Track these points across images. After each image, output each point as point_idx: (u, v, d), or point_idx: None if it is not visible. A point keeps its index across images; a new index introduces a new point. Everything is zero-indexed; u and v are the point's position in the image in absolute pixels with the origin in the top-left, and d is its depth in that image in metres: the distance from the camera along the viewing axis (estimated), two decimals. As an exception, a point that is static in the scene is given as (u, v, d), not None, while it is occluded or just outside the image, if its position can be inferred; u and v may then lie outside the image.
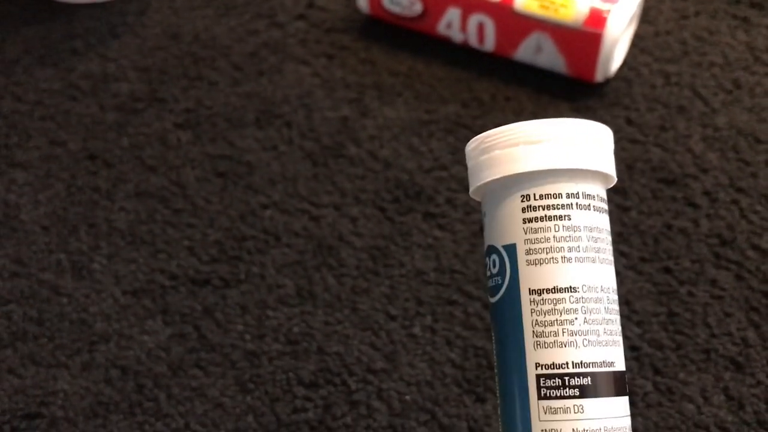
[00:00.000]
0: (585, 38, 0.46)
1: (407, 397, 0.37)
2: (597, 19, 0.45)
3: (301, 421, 0.36)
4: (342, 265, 0.42)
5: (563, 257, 0.24)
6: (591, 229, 0.24)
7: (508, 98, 0.49)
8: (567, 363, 0.24)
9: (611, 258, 0.25)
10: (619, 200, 0.43)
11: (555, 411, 0.24)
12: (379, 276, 0.41)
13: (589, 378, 0.24)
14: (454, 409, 0.36)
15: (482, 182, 0.25)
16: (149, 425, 0.36)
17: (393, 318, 0.39)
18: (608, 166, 0.25)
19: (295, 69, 0.51)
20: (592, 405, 0.24)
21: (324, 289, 0.41)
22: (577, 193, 0.25)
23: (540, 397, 0.24)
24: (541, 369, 0.24)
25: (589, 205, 0.25)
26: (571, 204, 0.24)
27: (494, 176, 0.25)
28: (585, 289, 0.24)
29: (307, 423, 0.36)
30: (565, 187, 0.25)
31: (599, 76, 0.48)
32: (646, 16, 0.53)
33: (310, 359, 0.38)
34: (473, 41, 0.50)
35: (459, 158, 0.46)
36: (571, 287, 0.24)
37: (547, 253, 0.24)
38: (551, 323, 0.24)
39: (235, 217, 0.44)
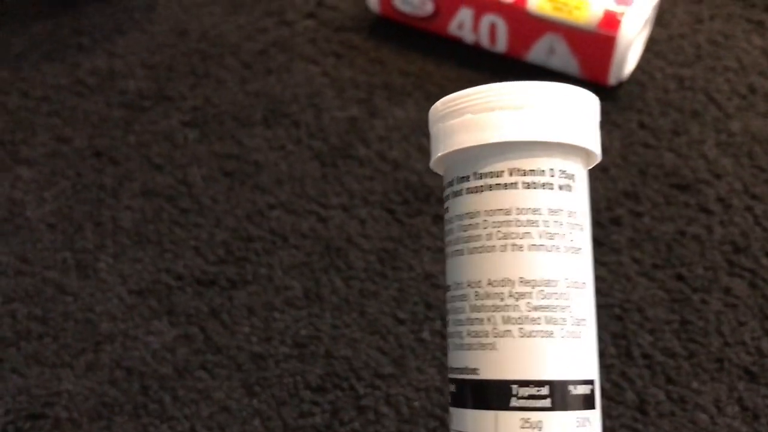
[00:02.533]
0: (599, 41, 0.45)
1: (416, 403, 0.36)
2: (611, 21, 0.45)
3: (308, 426, 0.36)
4: (350, 267, 0.41)
5: (444, 252, 0.23)
6: (462, 216, 0.21)
7: (520, 100, 0.48)
8: (450, 367, 0.22)
9: (496, 243, 0.21)
10: (631, 205, 0.43)
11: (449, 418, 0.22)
12: (388, 279, 0.41)
13: (454, 385, 0.21)
14: (463, 416, 0.36)
15: (431, 161, 0.24)
16: (154, 427, 0.36)
17: (401, 322, 0.39)
18: (495, 131, 0.20)
19: (303, 68, 0.51)
20: (456, 415, 0.21)
21: (332, 291, 0.40)
22: (457, 177, 0.22)
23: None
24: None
25: (462, 189, 0.21)
26: (449, 194, 0.22)
27: (432, 157, 0.23)
28: (453, 287, 0.22)
29: (314, 428, 0.36)
30: (450, 172, 0.22)
31: (612, 80, 0.47)
32: (660, 20, 0.52)
33: (317, 363, 0.38)
34: (485, 42, 0.50)
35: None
36: (447, 285, 0.22)
37: (446, 246, 0.23)
38: (448, 323, 0.23)
39: (242, 217, 0.43)
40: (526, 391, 0.20)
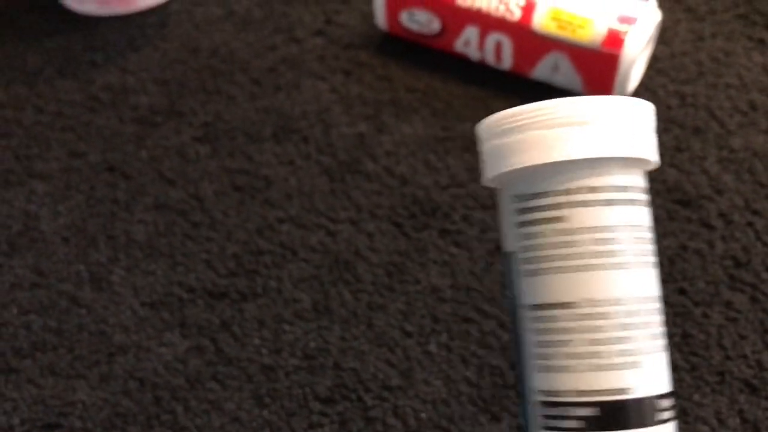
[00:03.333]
0: (602, 59, 0.46)
1: (423, 415, 0.37)
2: (615, 40, 0.46)
3: (317, 437, 0.37)
4: (358, 280, 0.42)
5: (558, 267, 0.20)
6: (595, 230, 0.20)
7: (525, 117, 0.49)
8: (569, 391, 0.20)
9: (636, 260, 0.20)
10: (634, 220, 0.44)
11: None
12: (395, 292, 0.41)
13: (598, 408, 0.20)
14: (470, 428, 0.37)
15: (484, 183, 0.22)
16: (166, 438, 0.37)
17: (409, 335, 0.40)
18: (617, 146, 0.20)
19: (312, 84, 0.52)
20: None
21: (340, 304, 0.41)
22: (574, 188, 0.20)
23: (543, 426, 0.21)
24: (543, 395, 0.21)
25: (591, 200, 0.20)
26: (562, 203, 0.20)
27: (491, 174, 0.21)
28: (585, 304, 0.20)
29: (322, 438, 0.37)
30: (556, 182, 0.20)
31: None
32: (662, 38, 0.53)
33: (326, 375, 0.38)
34: (490, 59, 0.51)
35: (475, 175, 0.46)
36: (566, 303, 0.20)
37: (540, 262, 0.21)
38: (549, 344, 0.20)
39: (252, 230, 0.44)
40: (664, 403, 0.20)
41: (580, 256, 0.20)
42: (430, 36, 0.52)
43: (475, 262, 0.42)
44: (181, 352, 0.39)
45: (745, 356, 0.38)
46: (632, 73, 0.47)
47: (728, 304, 0.40)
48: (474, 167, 0.47)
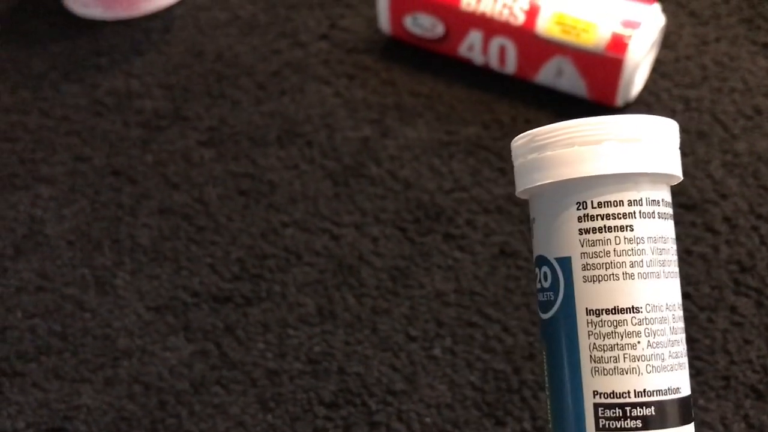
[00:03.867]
0: (606, 63, 0.46)
1: (427, 420, 0.37)
2: (618, 44, 0.46)
3: (322, 441, 0.37)
4: (362, 284, 0.42)
5: (625, 273, 0.22)
6: (656, 240, 0.22)
7: (529, 121, 0.49)
8: (629, 392, 0.22)
9: (677, 270, 0.23)
10: (638, 225, 0.44)
11: None
12: (399, 297, 0.41)
13: (653, 408, 0.22)
14: (474, 432, 0.37)
15: (533, 185, 0.23)
16: (171, 442, 0.37)
17: (413, 339, 0.40)
18: (674, 166, 0.22)
19: (317, 89, 0.52)
20: None
21: (344, 308, 0.41)
22: (641, 199, 0.22)
23: (598, 428, 0.22)
24: (600, 398, 0.22)
25: (654, 212, 0.22)
26: (634, 212, 0.22)
27: (546, 180, 0.22)
28: (649, 308, 0.22)
29: (327, 443, 0.37)
30: (627, 193, 0.22)
31: (620, 101, 0.48)
32: (666, 42, 0.53)
33: (330, 379, 0.38)
34: (494, 64, 0.51)
35: (479, 180, 0.46)
36: (633, 307, 0.22)
37: (606, 268, 0.22)
38: (611, 347, 0.22)
39: (256, 235, 0.44)
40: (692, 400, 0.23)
41: (645, 264, 0.22)
42: (434, 40, 0.52)
43: (479, 266, 0.42)
44: (185, 357, 0.39)
45: (750, 361, 0.38)
46: (636, 78, 0.47)
47: (733, 309, 0.40)
48: (478, 171, 0.47)
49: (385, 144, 0.48)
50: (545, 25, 0.47)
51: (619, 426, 0.21)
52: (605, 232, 0.22)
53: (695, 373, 0.38)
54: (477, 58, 0.51)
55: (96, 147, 0.49)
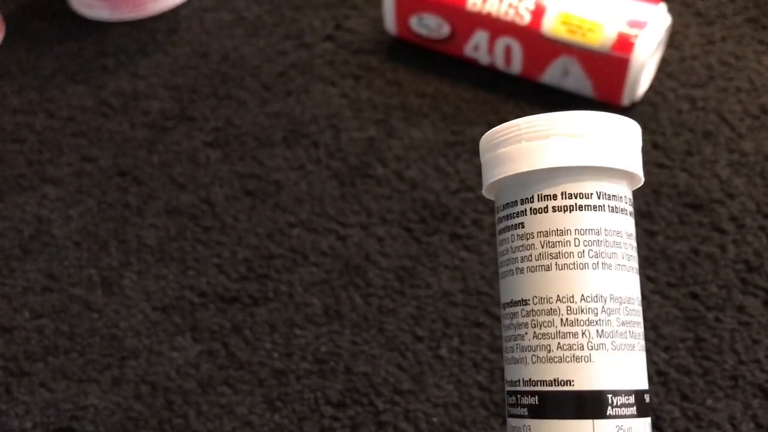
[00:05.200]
0: (612, 63, 0.46)
1: (434, 419, 0.37)
2: (624, 44, 0.46)
3: (329, 441, 0.37)
4: (369, 284, 0.42)
5: (517, 268, 0.23)
6: (547, 233, 0.22)
7: (535, 121, 0.49)
8: (519, 380, 0.23)
9: (586, 260, 0.22)
10: (646, 225, 0.44)
11: (513, 430, 0.23)
12: (406, 296, 0.41)
13: (536, 397, 0.22)
14: (481, 432, 0.37)
15: (484, 193, 0.25)
16: (178, 442, 0.37)
17: (420, 339, 0.40)
18: (561, 156, 0.22)
19: (322, 89, 0.52)
20: (540, 426, 0.22)
21: (351, 308, 0.41)
22: (531, 197, 0.23)
23: (508, 414, 0.23)
24: (508, 385, 0.23)
25: (547, 207, 0.22)
26: (525, 210, 0.23)
27: (484, 186, 0.24)
28: (536, 300, 0.22)
29: (334, 442, 0.37)
30: (519, 192, 0.23)
31: (626, 101, 0.48)
32: (672, 42, 0.53)
33: (337, 379, 0.38)
34: (500, 64, 0.51)
35: (485, 180, 0.46)
36: (522, 300, 0.23)
37: (506, 265, 0.23)
38: (509, 338, 0.23)
39: (263, 235, 0.44)
40: (619, 400, 0.22)
41: (534, 258, 0.22)
42: (440, 41, 0.52)
43: (485, 266, 0.42)
44: (192, 357, 0.40)
45: (758, 360, 0.38)
46: (642, 77, 0.47)
47: (741, 309, 0.40)
48: (484, 171, 0.47)
49: (390, 144, 0.48)
50: (551, 25, 0.47)
51: (514, 413, 0.23)
52: (505, 231, 0.23)
53: (703, 373, 0.38)
54: (483, 58, 0.51)
55: (102, 148, 0.49)
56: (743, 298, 0.40)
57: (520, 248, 0.23)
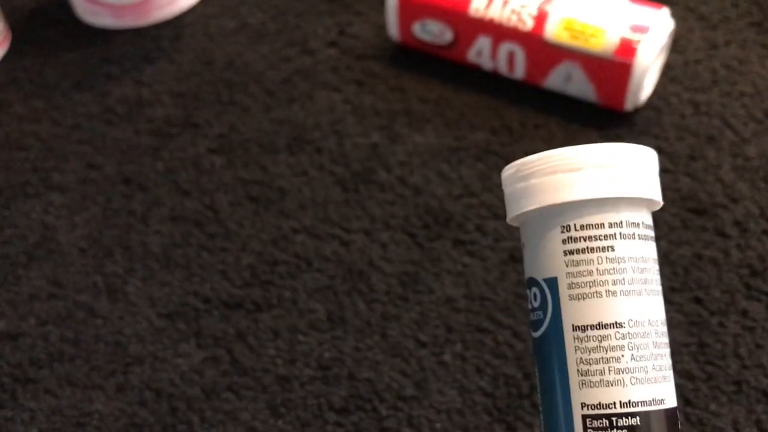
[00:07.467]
0: (615, 68, 0.46)
1: (438, 425, 0.37)
2: (627, 49, 0.46)
3: (332, 447, 0.37)
4: (372, 290, 0.42)
5: (607, 291, 0.23)
6: (636, 260, 0.24)
7: (538, 126, 0.49)
8: (614, 403, 0.23)
9: (659, 288, 0.24)
10: (648, 229, 0.44)
11: None
12: (409, 302, 0.41)
13: (638, 418, 0.23)
14: (484, 437, 0.37)
15: (520, 212, 0.25)
16: (182, 448, 0.37)
17: (423, 345, 0.40)
18: (652, 191, 0.24)
19: (326, 96, 0.52)
20: None
21: (354, 314, 0.41)
22: (621, 221, 0.24)
23: None
24: (587, 409, 0.23)
25: (634, 233, 0.24)
26: (615, 234, 0.24)
27: (532, 206, 0.24)
28: (631, 324, 0.23)
29: (337, 448, 0.37)
30: (607, 216, 0.24)
31: (629, 105, 0.48)
32: (675, 46, 0.53)
33: (341, 385, 0.39)
34: (503, 69, 0.51)
35: (488, 185, 0.46)
36: (616, 323, 0.23)
37: (590, 287, 0.23)
38: (597, 361, 0.23)
39: (267, 241, 0.44)
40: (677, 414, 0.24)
41: (626, 282, 0.23)
42: (443, 46, 0.52)
43: (488, 272, 0.42)
44: (196, 363, 0.40)
45: (761, 365, 0.38)
46: (645, 82, 0.47)
47: (744, 313, 0.40)
48: (487, 176, 0.47)
49: (394, 150, 0.49)
50: (554, 31, 0.48)
51: None
52: (588, 252, 0.24)
53: (706, 378, 0.38)
54: (486, 63, 0.51)
55: (107, 155, 0.50)
56: (747, 303, 0.40)
57: (611, 271, 0.23)
